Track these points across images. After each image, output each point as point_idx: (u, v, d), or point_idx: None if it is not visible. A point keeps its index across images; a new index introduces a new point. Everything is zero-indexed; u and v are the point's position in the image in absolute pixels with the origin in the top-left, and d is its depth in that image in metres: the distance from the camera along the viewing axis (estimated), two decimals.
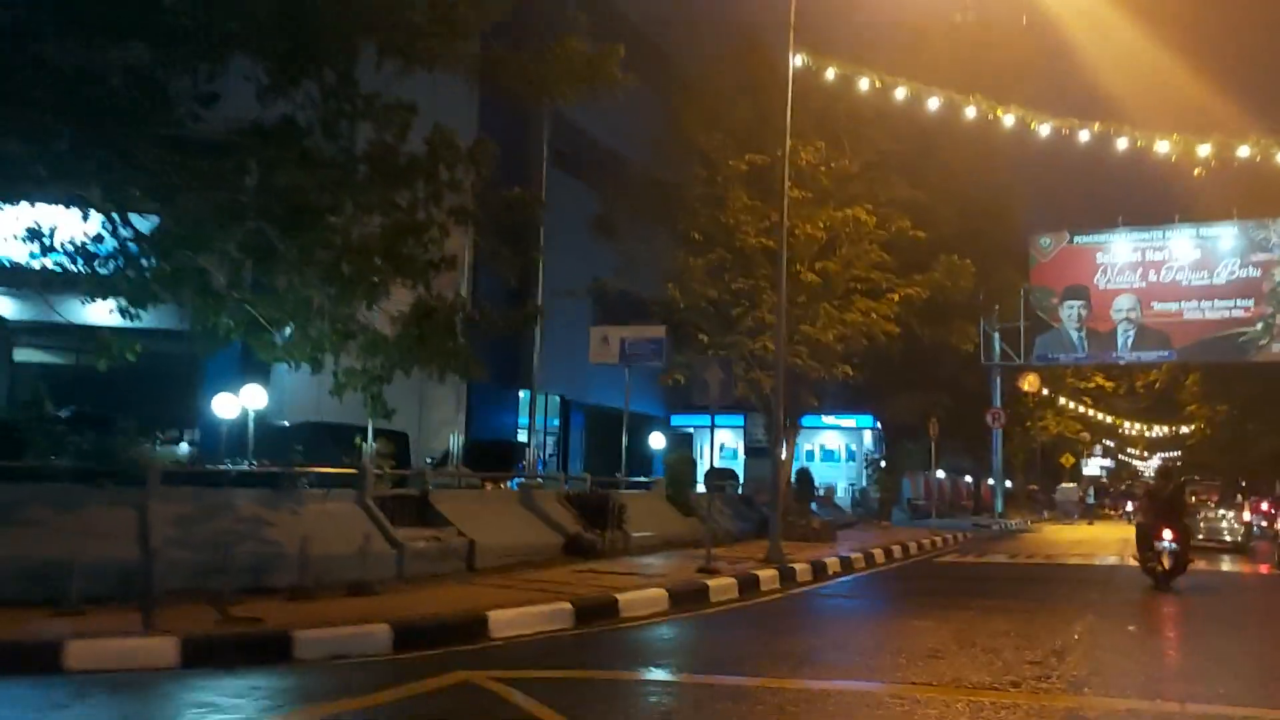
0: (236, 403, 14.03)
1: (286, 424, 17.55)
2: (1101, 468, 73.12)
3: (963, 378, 26.24)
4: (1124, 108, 26.77)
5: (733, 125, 17.72)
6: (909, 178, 20.81)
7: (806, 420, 35.98)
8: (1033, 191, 28.14)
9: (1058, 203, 38.90)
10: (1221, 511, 25.58)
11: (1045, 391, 42.51)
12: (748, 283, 18.33)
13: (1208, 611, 11.92)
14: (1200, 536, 21.97)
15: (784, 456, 20.06)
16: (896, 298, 19.99)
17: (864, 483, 30.74)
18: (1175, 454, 71.64)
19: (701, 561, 13.02)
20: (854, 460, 34.60)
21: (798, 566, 13.55)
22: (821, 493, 30.48)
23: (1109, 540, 25.58)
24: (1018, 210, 26.11)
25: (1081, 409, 49.15)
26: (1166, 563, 13.44)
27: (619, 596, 9.67)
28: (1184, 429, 55.75)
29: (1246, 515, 25.63)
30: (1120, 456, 74.68)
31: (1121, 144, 18.10)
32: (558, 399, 29.54)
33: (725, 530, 19.32)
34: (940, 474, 47.03)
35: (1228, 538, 23.80)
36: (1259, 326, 33.54)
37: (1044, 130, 18.58)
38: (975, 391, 36.50)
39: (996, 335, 37.38)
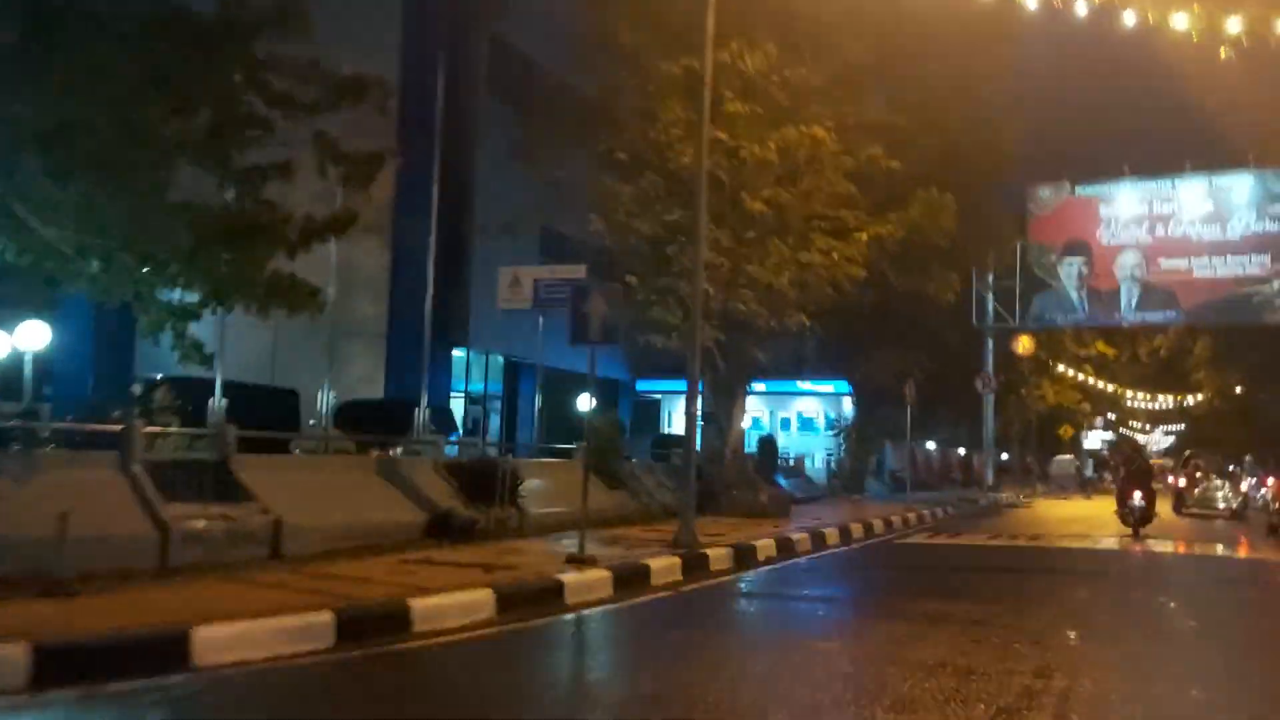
0: (7, 341, 11.29)
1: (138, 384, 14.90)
2: (1103, 441, 70.37)
3: (947, 337, 23.37)
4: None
5: (665, 21, 14.79)
6: (883, 98, 17.93)
7: (781, 386, 33.26)
8: (1030, 128, 25.14)
9: (1057, 145, 35.76)
10: (1218, 483, 27.26)
11: (1044, 357, 39.66)
12: (685, 214, 15.50)
13: (1221, 629, 9.21)
14: (1193, 505, 25.82)
15: (732, 420, 17.32)
16: (864, 237, 17.14)
17: (841, 453, 28.06)
18: (1180, 427, 69.06)
19: (594, 544, 10.37)
20: (833, 429, 31.89)
21: (713, 552, 10.83)
22: (790, 463, 27.84)
23: (1106, 518, 22.80)
24: (1012, 151, 23.10)
25: (1082, 377, 46.29)
26: (1137, 513, 17.86)
27: (415, 603, 6.94)
28: (1190, 399, 53.00)
29: (1243, 486, 27.64)
30: (1122, 429, 71.86)
31: (1129, 19, 15.06)
32: (501, 360, 26.78)
33: (661, 505, 16.66)
34: (931, 445, 44.42)
35: (1221, 505, 25.97)
36: (1275, 285, 30.68)
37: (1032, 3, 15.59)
38: (965, 356, 33.74)
39: (990, 295, 34.56)
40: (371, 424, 16.40)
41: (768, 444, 23.10)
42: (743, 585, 9.92)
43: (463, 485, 12.50)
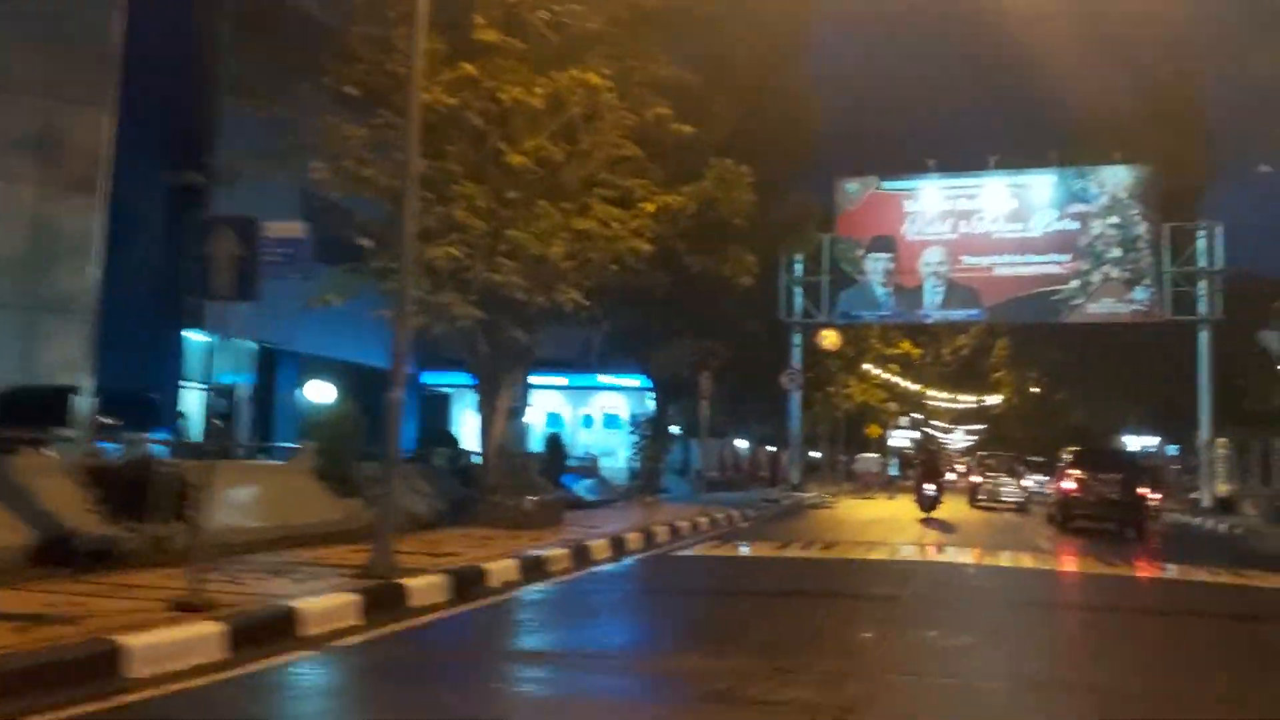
0: None
1: None
2: (910, 440, 72.03)
3: (751, 328, 21.72)
4: None
5: None
6: (675, 54, 15.91)
7: (582, 379, 31.14)
8: (838, 116, 24.09)
9: (866, 138, 35.18)
10: (1006, 479, 31.76)
11: (851, 354, 39.18)
12: (431, 164, 12.94)
13: (1034, 688, 7.47)
14: (984, 499, 30.48)
15: (496, 415, 14.85)
16: (651, 208, 15.04)
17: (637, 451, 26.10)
18: (981, 426, 71.49)
19: (260, 573, 7.76)
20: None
21: (418, 583, 8.35)
22: (586, 463, 25.71)
23: (906, 519, 21.79)
24: (818, 130, 21.74)
25: (888, 376, 46.47)
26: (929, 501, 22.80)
27: None
28: (990, 399, 54.40)
29: (1026, 483, 31.77)
30: (926, 429, 73.84)
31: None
32: (254, 345, 23.41)
33: (409, 515, 14.03)
34: (741, 442, 43.42)
35: (1008, 499, 30.25)
36: (1074, 284, 30.85)
37: None
38: (774, 351, 32.59)
39: (798, 289, 33.57)
40: (34, 416, 13.09)
41: (554, 443, 20.83)
42: (430, 635, 7.41)
43: (109, 495, 9.56)
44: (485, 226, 13.12)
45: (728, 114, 17.69)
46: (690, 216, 16.39)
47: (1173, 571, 12.80)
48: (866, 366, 43.52)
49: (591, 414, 31.62)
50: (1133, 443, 50.05)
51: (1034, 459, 36.58)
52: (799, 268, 33.45)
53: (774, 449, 43.44)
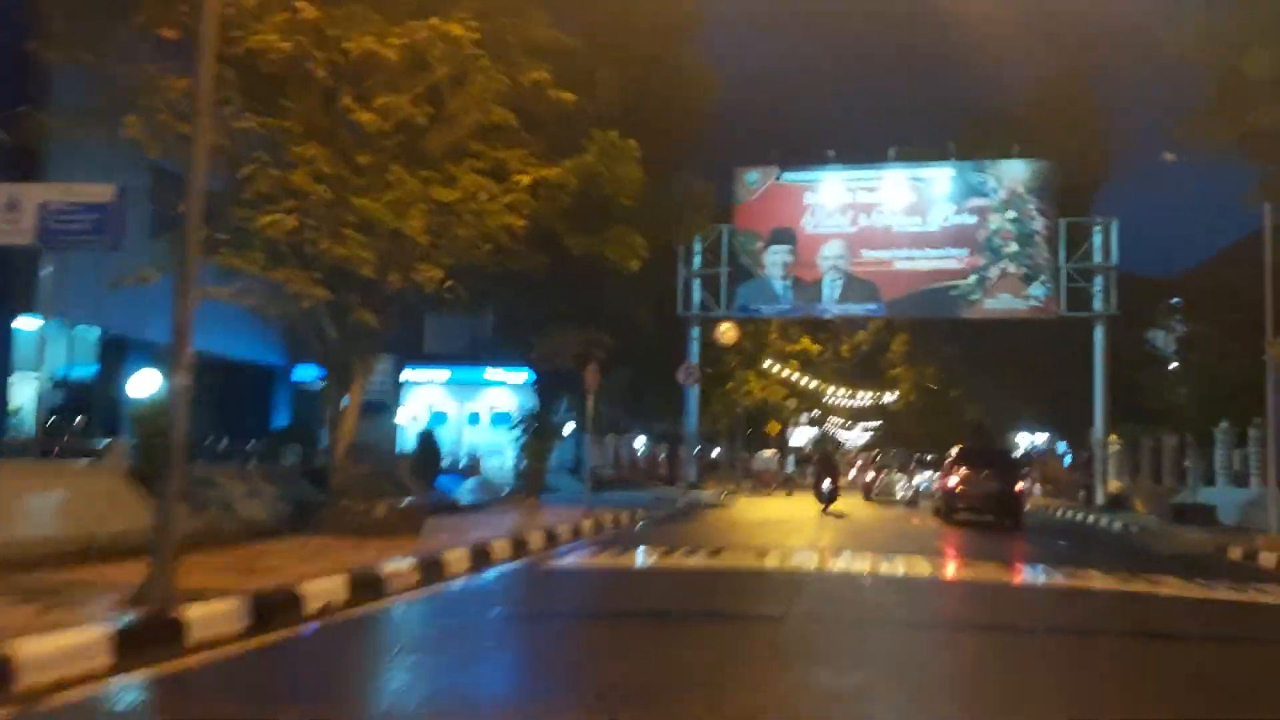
0: None
1: None
2: (809, 438, 72.02)
3: (640, 315, 20.39)
4: None
5: None
6: (555, 14, 14.55)
7: (468, 374, 29.51)
8: (735, 101, 23.04)
9: (763, 124, 34.35)
10: (897, 476, 34.27)
11: (750, 349, 38.33)
12: (260, 121, 11.32)
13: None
14: (877, 495, 32.35)
15: (346, 408, 13.23)
16: (527, 180, 13.63)
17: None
18: (879, 423, 71.91)
19: (12, 599, 6.14)
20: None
21: (203, 613, 6.79)
22: (467, 462, 24.16)
23: (802, 519, 20.86)
24: (713, 110, 20.57)
25: (788, 373, 45.83)
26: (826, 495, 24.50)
27: None
28: (888, 396, 54.42)
29: (916, 479, 33.34)
30: (825, 426, 73.98)
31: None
32: (96, 333, 21.24)
33: (246, 521, 12.41)
34: (642, 440, 42.26)
35: (899, 495, 31.97)
36: (971, 279, 30.46)
37: None
38: (673, 345, 31.49)
39: (697, 282, 32.51)
40: None
41: (427, 441, 19.23)
42: (191, 685, 5.84)
43: None
44: (329, 194, 11.52)
45: (613, 86, 16.43)
46: (572, 193, 15.10)
47: (1081, 579, 11.91)
48: (767, 363, 42.79)
49: (479, 411, 29.97)
50: (1024, 439, 50.79)
51: (926, 456, 38.19)
52: (698, 260, 32.42)
53: (674, 447, 42.41)
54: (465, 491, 21.08)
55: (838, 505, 24.82)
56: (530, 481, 19.78)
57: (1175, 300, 40.92)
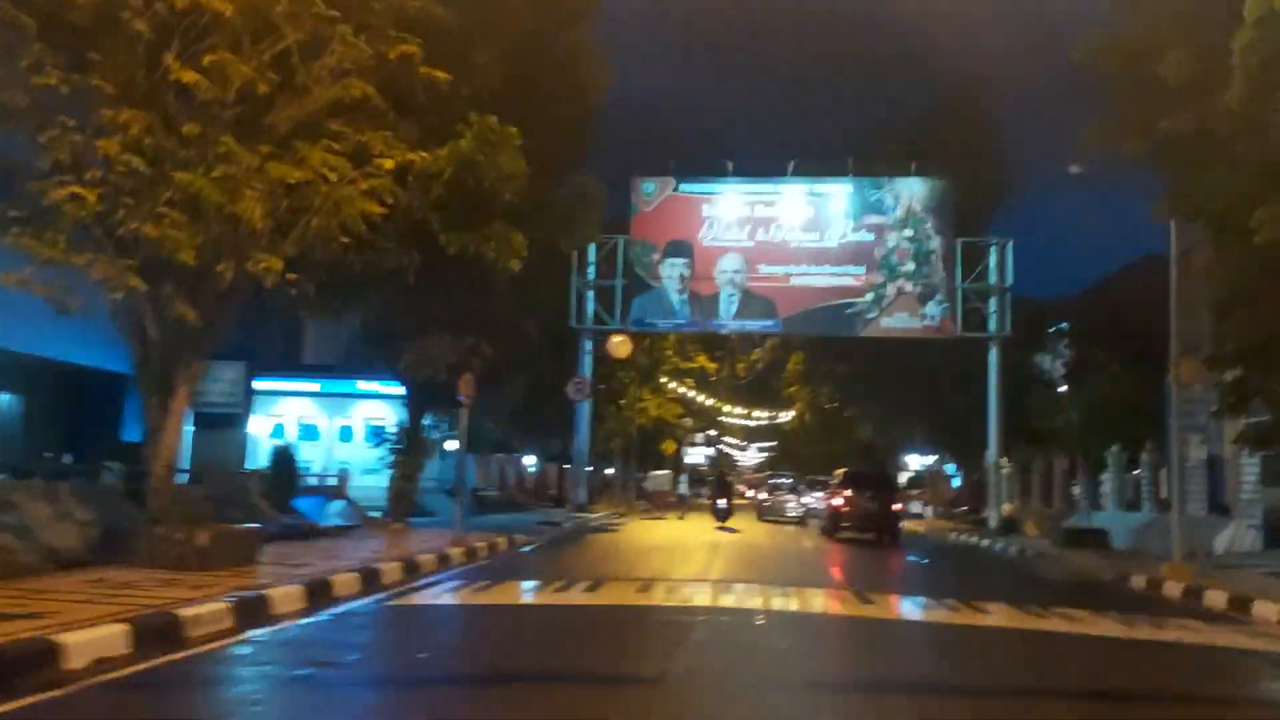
0: None
1: None
2: (706, 456, 71.38)
3: (526, 324, 18.86)
4: None
5: None
6: None
7: (339, 385, 27.47)
8: (632, 100, 21.90)
9: (661, 131, 33.33)
10: (789, 496, 36.19)
11: (646, 364, 37.20)
12: (65, 77, 9.53)
13: None
14: (770, 514, 34.95)
15: (168, 421, 11.36)
16: (390, 164, 12.06)
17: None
18: (774, 444, 71.75)
19: None
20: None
21: None
22: (330, 481, 22.25)
23: (697, 545, 19.61)
24: (605, 104, 19.29)
25: (684, 390, 44.96)
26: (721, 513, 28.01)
27: None
28: (783, 415, 53.97)
29: (805, 500, 35.29)
30: (720, 446, 73.51)
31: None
32: None
33: (46, 549, 10.48)
34: (531, 459, 40.62)
35: (791, 514, 34.14)
36: (868, 297, 29.89)
37: None
38: (566, 360, 30.08)
39: (591, 294, 31.20)
40: None
41: (283, 458, 17.35)
42: None
43: None
44: (144, 166, 9.77)
45: (494, 69, 14.98)
46: (446, 183, 13.58)
47: (991, 614, 10.86)
48: (663, 380, 41.78)
49: (352, 425, 27.93)
50: (914, 461, 50.85)
51: (817, 478, 39.39)
52: (592, 270, 31.14)
53: (569, 466, 40.86)
54: (327, 515, 19.19)
55: (733, 522, 27.64)
56: (398, 504, 18.03)
57: (1063, 325, 41.53)
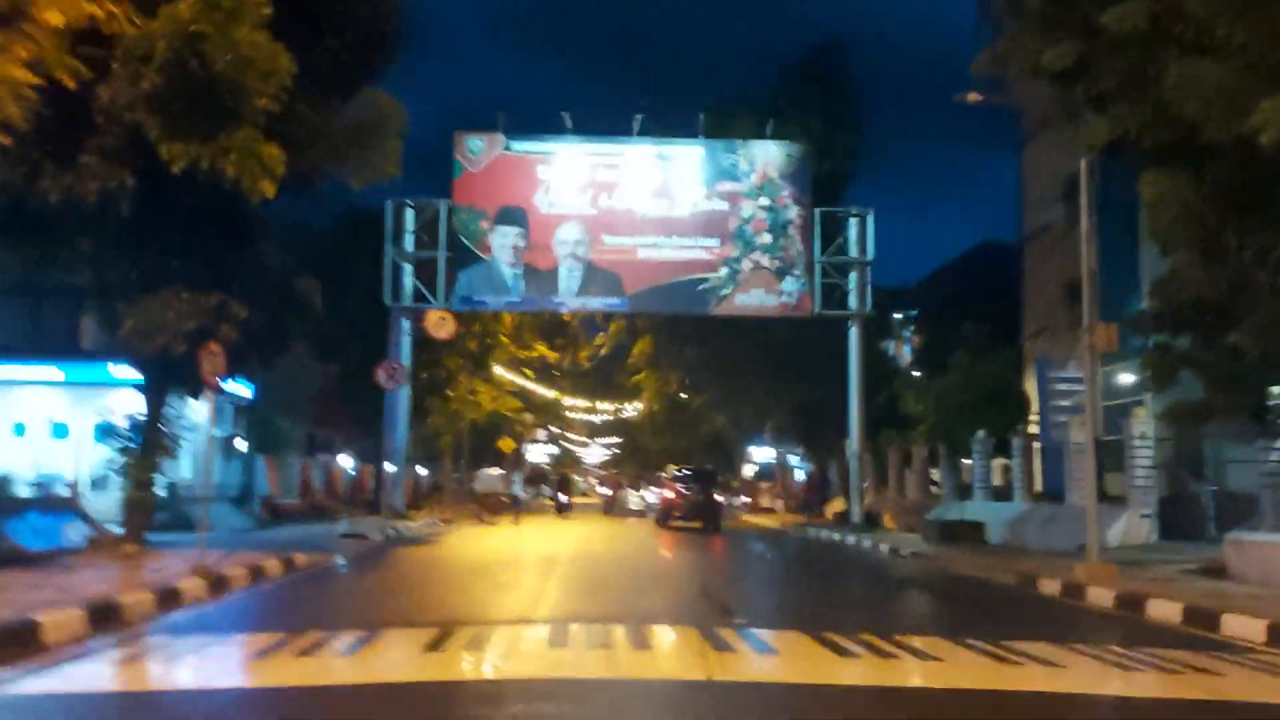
0: None
1: None
2: (549, 455, 67.60)
3: (307, 287, 14.54)
4: None
5: None
6: None
7: (88, 374, 22.38)
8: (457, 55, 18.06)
9: (494, 90, 29.69)
10: (632, 492, 41.47)
11: (477, 349, 33.29)
12: None
13: None
14: (616, 509, 38.50)
15: None
16: (56, 19, 8.03)
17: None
18: (618, 440, 68.65)
19: None
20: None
21: None
22: (56, 494, 17.61)
23: (529, 563, 16.05)
24: (414, 18, 15.34)
25: (522, 382, 41.15)
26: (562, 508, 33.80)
27: None
28: (629, 408, 50.95)
29: (646, 495, 39.48)
30: (563, 442, 69.92)
31: None
32: None
33: None
34: (346, 459, 36.07)
35: (634, 507, 38.40)
36: (722, 272, 27.00)
37: None
38: (381, 345, 25.98)
39: (409, 267, 27.15)
40: None
41: None
42: None
43: None
44: None
45: None
46: (163, 69, 9.62)
47: (935, 664, 7.51)
48: (497, 370, 37.85)
49: (116, 421, 22.83)
50: (761, 454, 48.85)
51: (659, 474, 40.30)
52: (410, 240, 27.08)
53: (391, 468, 36.33)
54: (48, 533, 14.63)
55: (578, 519, 31.10)
56: (132, 519, 13.67)
57: (912, 312, 40.12)
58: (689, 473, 29.26)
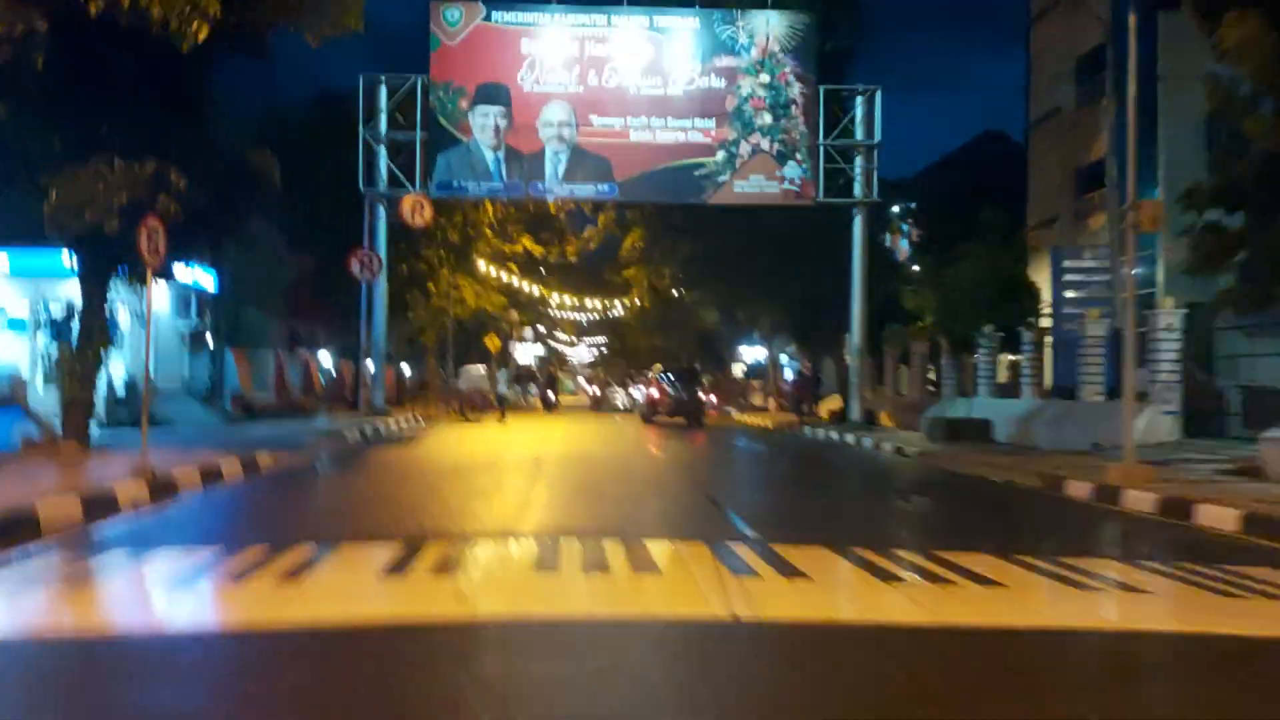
0: None
1: None
2: (536, 356, 66.36)
3: (262, 162, 12.86)
4: None
5: None
6: None
7: (35, 262, 20.79)
8: None
9: None
10: (617, 390, 45.76)
11: (458, 241, 31.68)
12: None
13: None
14: (603, 407, 42.85)
15: None
16: None
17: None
18: (603, 340, 67.39)
19: None
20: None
21: None
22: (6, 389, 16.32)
23: (513, 463, 14.90)
24: None
25: (507, 278, 39.55)
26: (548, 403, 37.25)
27: None
28: (618, 308, 49.51)
29: (632, 392, 41.05)
30: (551, 341, 68.57)
31: None
32: None
33: None
34: (325, 355, 34.70)
35: (620, 406, 41.69)
36: (720, 156, 25.27)
37: None
38: (358, 234, 24.39)
39: (383, 150, 25.36)
40: None
41: None
42: None
43: None
44: None
45: None
46: None
47: (1001, 589, 6.16)
48: (481, 264, 36.23)
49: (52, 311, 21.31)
50: (751, 353, 47.67)
51: (646, 373, 38.79)
52: (384, 121, 25.23)
53: (370, 364, 34.99)
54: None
55: (565, 417, 32.28)
56: (70, 417, 12.34)
57: (910, 204, 38.47)
58: (674, 373, 30.72)
